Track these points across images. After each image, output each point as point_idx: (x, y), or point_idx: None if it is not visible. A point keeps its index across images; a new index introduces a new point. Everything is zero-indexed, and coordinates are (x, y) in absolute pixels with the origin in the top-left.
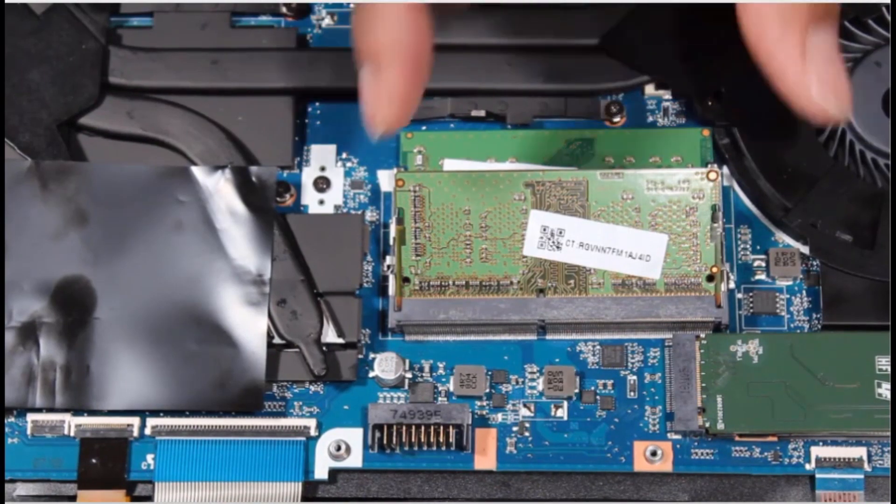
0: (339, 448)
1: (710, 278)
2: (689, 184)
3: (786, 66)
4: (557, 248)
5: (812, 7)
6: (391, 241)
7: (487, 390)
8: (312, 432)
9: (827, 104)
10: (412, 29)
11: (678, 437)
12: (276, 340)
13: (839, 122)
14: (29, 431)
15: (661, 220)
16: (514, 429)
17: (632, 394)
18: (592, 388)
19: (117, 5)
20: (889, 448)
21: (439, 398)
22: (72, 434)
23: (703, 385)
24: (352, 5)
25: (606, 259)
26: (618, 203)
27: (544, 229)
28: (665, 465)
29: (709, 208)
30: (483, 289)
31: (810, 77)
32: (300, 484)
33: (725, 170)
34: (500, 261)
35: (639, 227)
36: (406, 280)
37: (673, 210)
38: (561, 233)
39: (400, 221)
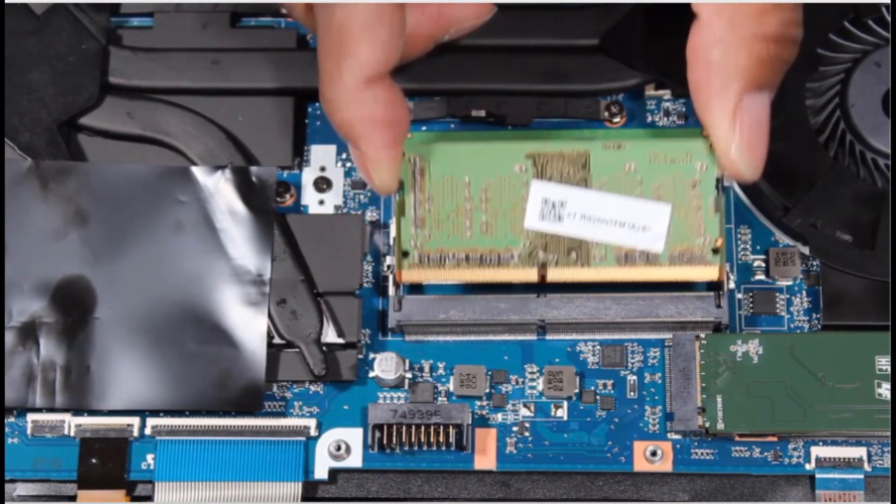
0: (339, 448)
1: (716, 251)
2: (691, 156)
3: (716, 121)
4: (559, 219)
5: (758, 70)
6: (391, 214)
7: (487, 390)
8: (312, 432)
9: (742, 165)
10: (375, 101)
11: (678, 437)
12: (276, 340)
13: (748, 181)
14: (29, 431)
15: (665, 194)
16: (514, 429)
17: (632, 394)
18: (592, 388)
19: (117, 5)
20: (889, 448)
21: (439, 398)
22: (72, 434)
23: (703, 385)
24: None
25: (609, 230)
26: (620, 175)
27: (545, 201)
28: (665, 465)
29: (713, 179)
30: (483, 262)
31: (734, 137)
32: (300, 484)
33: None
34: (500, 233)
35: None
36: (405, 254)
37: (676, 183)
38: (563, 204)
39: (399, 192)
